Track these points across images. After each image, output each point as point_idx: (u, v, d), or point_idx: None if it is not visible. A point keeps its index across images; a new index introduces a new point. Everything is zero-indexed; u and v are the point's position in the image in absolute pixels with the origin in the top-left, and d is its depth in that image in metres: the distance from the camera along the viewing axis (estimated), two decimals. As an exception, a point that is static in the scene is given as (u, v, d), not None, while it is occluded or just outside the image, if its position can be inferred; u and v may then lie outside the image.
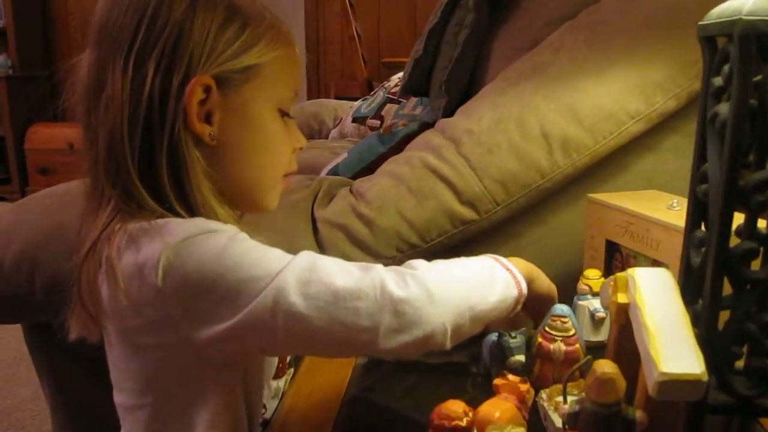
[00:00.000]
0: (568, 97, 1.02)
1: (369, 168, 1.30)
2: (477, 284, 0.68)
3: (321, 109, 2.98)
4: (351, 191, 1.10)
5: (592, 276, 0.91)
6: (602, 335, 0.89)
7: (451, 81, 1.34)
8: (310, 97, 4.59)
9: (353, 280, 0.60)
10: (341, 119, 2.90)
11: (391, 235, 1.03)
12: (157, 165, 0.64)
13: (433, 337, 0.61)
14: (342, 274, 0.60)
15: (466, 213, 1.03)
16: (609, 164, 1.07)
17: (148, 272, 0.59)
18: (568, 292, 0.92)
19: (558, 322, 0.77)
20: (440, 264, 0.67)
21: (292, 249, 1.04)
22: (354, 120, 2.66)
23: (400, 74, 2.69)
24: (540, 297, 0.77)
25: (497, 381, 0.69)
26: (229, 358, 0.66)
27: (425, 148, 1.09)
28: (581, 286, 0.91)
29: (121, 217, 0.64)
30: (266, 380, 0.80)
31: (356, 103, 2.84)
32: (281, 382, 0.87)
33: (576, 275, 0.97)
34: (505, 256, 1.14)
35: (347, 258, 1.03)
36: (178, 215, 0.64)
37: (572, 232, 1.12)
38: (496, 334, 0.81)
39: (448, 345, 0.62)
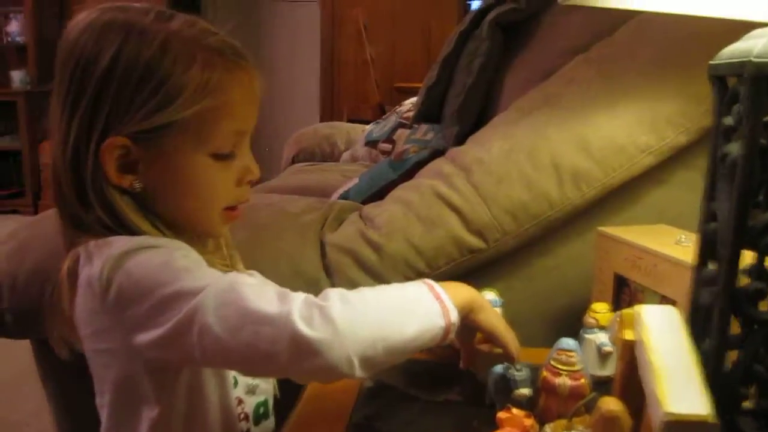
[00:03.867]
0: (579, 128, 1.02)
1: (379, 194, 1.30)
2: (393, 316, 0.66)
3: (333, 131, 3.00)
4: (360, 216, 1.10)
5: (600, 309, 0.90)
6: (609, 370, 0.88)
7: (464, 110, 1.35)
8: (323, 119, 4.62)
9: (264, 306, 0.61)
10: (353, 142, 2.91)
11: (399, 262, 1.03)
12: (93, 205, 0.69)
13: (338, 368, 0.61)
14: (256, 298, 0.62)
15: (474, 242, 1.03)
16: (619, 196, 1.06)
17: (94, 284, 0.66)
18: (577, 325, 0.91)
19: (563, 356, 0.77)
20: (358, 294, 0.66)
21: (298, 274, 1.05)
22: (366, 143, 2.68)
23: (413, 99, 2.71)
24: (479, 329, 0.78)
25: (501, 415, 0.68)
26: (168, 362, 0.69)
27: (435, 175, 1.09)
28: (588, 319, 0.90)
29: (83, 235, 0.71)
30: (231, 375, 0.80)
31: (368, 127, 2.86)
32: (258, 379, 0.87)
33: (585, 307, 0.97)
34: (516, 287, 1.15)
35: (355, 284, 1.04)
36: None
37: (582, 263, 1.11)
38: (502, 366, 0.80)
39: (358, 375, 0.63)
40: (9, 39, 4.63)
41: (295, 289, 1.02)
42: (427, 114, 1.49)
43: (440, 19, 4.19)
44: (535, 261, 1.12)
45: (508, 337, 0.79)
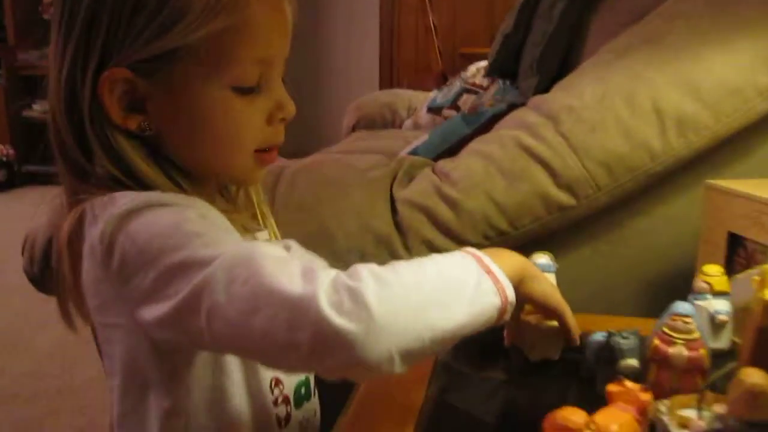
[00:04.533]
0: (686, 69, 0.90)
1: (452, 150, 1.21)
2: (439, 298, 0.54)
3: (395, 98, 2.90)
4: (434, 171, 1.01)
5: (713, 272, 0.78)
6: (723, 342, 0.77)
7: (544, 59, 1.23)
8: (382, 89, 4.52)
9: (285, 284, 0.49)
10: (415, 109, 2.81)
11: (479, 220, 0.93)
12: (96, 153, 0.59)
13: (375, 365, 0.50)
14: (277, 273, 0.50)
15: (563, 198, 0.92)
16: (729, 148, 0.94)
17: (96, 248, 0.57)
18: (674, 294, 0.80)
19: (679, 322, 0.66)
20: (394, 271, 0.53)
21: (368, 231, 0.96)
22: (429, 110, 2.57)
23: (478, 64, 2.58)
24: (531, 301, 0.66)
25: (612, 387, 0.58)
26: (178, 345, 0.59)
27: (518, 126, 0.99)
28: (700, 284, 0.79)
29: (89, 189, 0.60)
30: None
31: (431, 94, 2.75)
32: None
33: (684, 274, 0.86)
34: (604, 251, 1.04)
35: (429, 243, 0.95)
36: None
37: (681, 224, 1.00)
38: (604, 333, 0.70)
39: (398, 371, 0.51)
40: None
41: (365, 246, 0.96)
42: (503, 64, 1.38)
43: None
44: (626, 222, 1.01)
45: (566, 309, 0.68)
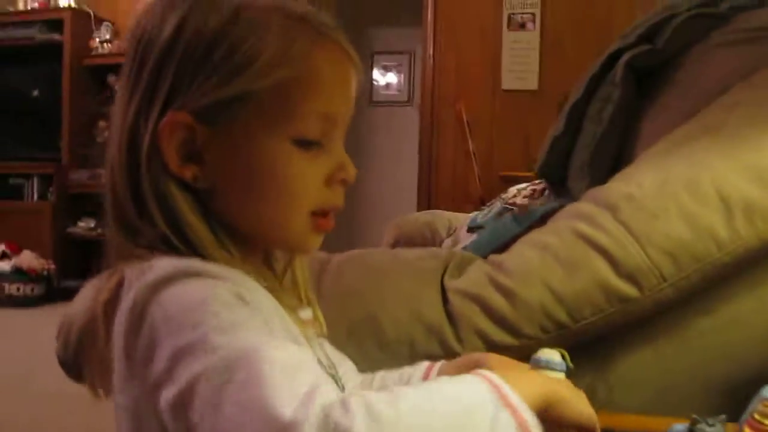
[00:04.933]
0: (750, 156, 0.87)
1: (502, 250, 1.17)
2: None
3: (434, 218, 2.90)
4: (487, 262, 0.97)
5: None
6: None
7: (595, 160, 1.22)
8: (420, 213, 4.56)
9: (279, 403, 0.44)
10: (455, 229, 2.81)
11: (536, 310, 0.88)
12: (149, 206, 0.57)
13: None
14: (276, 387, 0.45)
15: (626, 288, 0.87)
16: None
17: (126, 317, 0.54)
18: (742, 397, 0.73)
19: (773, 409, 0.59)
20: (392, 404, 0.46)
21: (418, 320, 0.91)
22: (469, 230, 2.56)
23: (518, 186, 2.60)
24: (564, 425, 0.58)
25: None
26: None
27: (574, 217, 0.95)
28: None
29: (135, 250, 0.58)
30: None
31: (472, 214, 2.76)
32: None
33: (753, 378, 0.79)
34: (668, 353, 0.97)
35: (483, 334, 0.89)
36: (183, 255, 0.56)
37: (749, 326, 0.94)
38: (685, 424, 0.63)
39: None
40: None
41: (414, 336, 0.90)
42: (552, 167, 1.37)
43: (539, 124, 4.14)
44: (691, 321, 0.95)
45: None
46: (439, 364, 0.76)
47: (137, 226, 0.58)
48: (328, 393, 0.46)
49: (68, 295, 4.29)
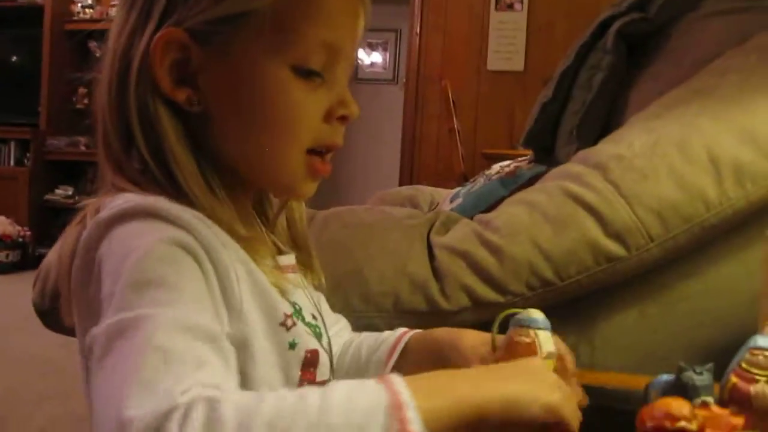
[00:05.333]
0: (741, 118, 0.87)
1: (488, 212, 1.17)
2: None
3: (417, 193, 2.88)
4: (475, 220, 0.96)
5: (784, 321, 0.72)
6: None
7: (584, 126, 1.22)
8: (402, 193, 4.55)
9: (135, 399, 0.41)
10: (437, 203, 2.80)
11: (523, 267, 0.87)
12: (135, 131, 0.55)
13: None
14: (143, 381, 0.42)
15: (613, 247, 0.87)
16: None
17: (78, 253, 0.53)
18: (724, 364, 0.74)
19: (760, 357, 0.59)
20: (267, 416, 0.40)
21: (404, 275, 0.90)
22: (452, 201, 2.56)
23: (502, 163, 2.60)
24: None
25: (699, 411, 0.51)
26: None
27: (563, 176, 0.95)
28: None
29: (120, 183, 0.56)
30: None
31: (454, 190, 2.75)
32: None
33: (738, 341, 0.79)
34: (653, 313, 0.98)
35: (469, 289, 0.89)
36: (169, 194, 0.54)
37: (734, 290, 0.94)
38: (670, 374, 0.63)
39: None
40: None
41: (400, 290, 0.89)
42: (540, 134, 1.37)
43: (524, 105, 4.14)
44: (676, 283, 0.95)
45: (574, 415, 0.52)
46: (410, 334, 0.73)
47: (121, 158, 0.57)
48: (194, 401, 0.40)
49: (44, 261, 4.13)
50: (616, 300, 0.95)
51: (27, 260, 4.14)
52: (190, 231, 0.51)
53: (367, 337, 0.78)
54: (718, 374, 0.62)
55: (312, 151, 0.60)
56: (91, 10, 4.66)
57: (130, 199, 0.52)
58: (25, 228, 4.19)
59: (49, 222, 4.35)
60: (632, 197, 0.87)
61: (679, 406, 0.40)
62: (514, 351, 0.60)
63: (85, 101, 4.70)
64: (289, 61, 0.56)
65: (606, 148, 0.94)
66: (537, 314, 0.67)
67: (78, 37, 4.56)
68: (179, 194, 0.55)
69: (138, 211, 0.51)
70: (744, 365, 0.59)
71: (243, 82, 0.56)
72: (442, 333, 0.71)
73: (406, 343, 0.72)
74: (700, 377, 0.61)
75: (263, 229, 0.67)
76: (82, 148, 4.52)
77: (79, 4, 4.67)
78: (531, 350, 0.60)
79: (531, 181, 1.14)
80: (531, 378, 0.51)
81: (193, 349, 0.44)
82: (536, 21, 4.35)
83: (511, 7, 4.42)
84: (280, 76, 0.56)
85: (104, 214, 0.52)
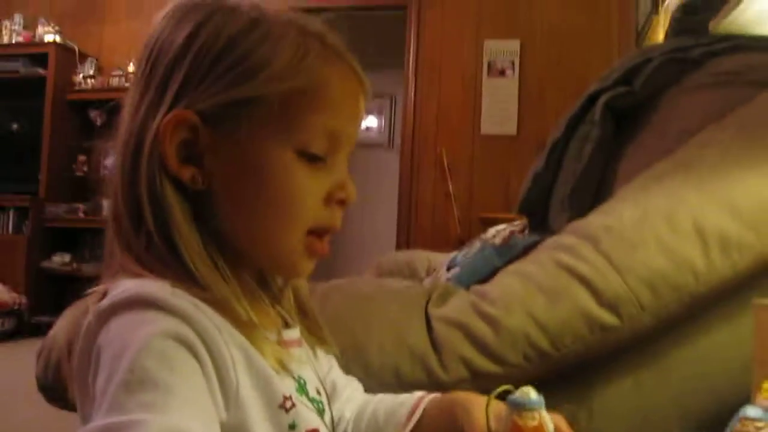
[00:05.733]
0: (723, 189, 0.90)
1: (483, 282, 1.19)
2: None
3: (414, 257, 2.92)
4: (471, 291, 0.99)
5: (775, 389, 0.74)
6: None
7: (575, 195, 1.26)
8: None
9: None
10: (435, 269, 2.82)
11: (519, 338, 0.90)
12: (143, 208, 0.57)
13: None
14: None
15: (607, 317, 0.89)
16: (773, 273, 0.92)
17: (81, 340, 0.54)
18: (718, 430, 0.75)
19: (750, 428, 0.61)
20: None
21: (403, 347, 0.92)
22: (449, 269, 2.58)
23: (498, 227, 2.64)
24: None
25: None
26: None
27: (556, 248, 0.98)
28: (762, 402, 0.74)
29: (128, 264, 0.58)
30: None
31: (451, 254, 2.77)
32: None
33: (732, 406, 0.81)
34: (648, 383, 0.99)
35: (466, 361, 0.91)
36: (173, 272, 0.56)
37: (726, 357, 0.96)
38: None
39: None
40: (105, 171, 4.89)
41: (399, 363, 0.91)
42: (533, 203, 1.40)
43: (518, 168, 4.21)
44: (670, 351, 0.97)
45: None
46: (429, 398, 0.76)
47: (131, 236, 0.58)
48: None
49: (40, 330, 4.21)
50: (612, 368, 0.97)
51: (23, 328, 4.12)
52: (187, 321, 0.52)
53: (384, 399, 0.79)
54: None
55: (311, 233, 0.63)
56: (92, 80, 4.78)
57: (129, 288, 0.54)
58: (22, 295, 4.19)
59: (45, 289, 4.35)
60: (623, 268, 0.90)
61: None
62: None
63: (85, 168, 4.77)
64: (293, 145, 0.59)
65: (596, 220, 0.98)
66: (531, 394, 0.68)
67: (79, 107, 4.67)
68: (184, 271, 0.56)
69: (136, 301, 0.52)
70: (735, 435, 0.61)
71: (248, 163, 0.59)
72: (458, 399, 0.73)
73: (427, 407, 0.74)
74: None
75: (268, 302, 0.68)
76: (81, 215, 4.57)
77: (81, 74, 4.79)
78: None
79: (525, 251, 1.16)
80: None
81: None
82: (527, 86, 4.47)
83: (503, 73, 4.55)
84: (285, 159, 0.59)
85: (104, 303, 0.53)
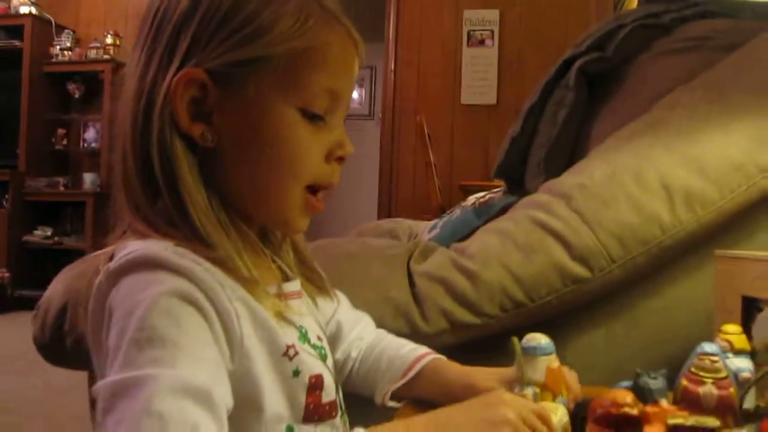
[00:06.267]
0: (690, 148, 0.95)
1: (464, 240, 1.24)
2: None
3: (396, 225, 2.95)
4: (450, 248, 1.04)
5: (732, 331, 0.79)
6: (748, 401, 0.76)
7: (550, 158, 1.30)
8: (380, 227, 4.60)
9: None
10: (416, 235, 2.86)
11: (496, 291, 0.94)
12: (153, 164, 0.60)
13: None
14: None
15: (578, 270, 0.94)
16: (735, 228, 0.98)
17: (92, 301, 0.58)
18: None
19: (707, 361, 0.66)
20: None
21: (387, 301, 0.97)
22: (430, 232, 2.62)
23: (477, 194, 2.68)
24: None
25: (649, 409, 0.58)
26: None
27: (531, 206, 1.03)
28: (720, 343, 0.79)
29: (137, 224, 0.61)
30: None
31: (432, 222, 2.82)
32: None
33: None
34: (618, 331, 1.05)
35: (447, 313, 0.96)
36: (179, 231, 0.59)
37: (691, 306, 1.01)
38: (629, 380, 0.70)
39: None
40: (85, 144, 4.87)
41: (383, 317, 0.96)
42: (510, 166, 1.45)
43: (497, 137, 4.25)
44: (639, 302, 1.02)
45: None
46: (428, 359, 0.79)
47: (140, 196, 0.61)
48: None
49: (22, 304, 4.19)
50: (585, 320, 1.02)
51: (6, 302, 4.13)
52: (192, 280, 0.55)
53: (390, 345, 0.83)
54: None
55: (309, 189, 0.66)
56: (69, 53, 4.72)
57: (136, 249, 0.57)
58: (3, 270, 4.18)
59: (28, 263, 4.35)
60: (594, 223, 0.95)
61: (623, 395, 0.47)
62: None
63: (64, 142, 4.74)
64: (297, 103, 0.62)
65: (569, 179, 1.02)
66: (543, 339, 0.74)
67: (57, 79, 4.62)
68: (190, 230, 0.59)
69: (143, 262, 0.55)
70: (693, 369, 0.66)
71: (254, 120, 0.62)
72: (456, 375, 0.77)
73: (422, 369, 0.78)
74: (654, 381, 0.68)
75: (269, 255, 0.72)
76: (62, 188, 4.55)
77: (58, 47, 4.74)
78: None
79: (502, 211, 1.21)
80: (482, 424, 0.58)
81: (189, 414, 0.49)
82: (507, 56, 4.49)
83: (482, 42, 4.56)
84: (289, 116, 0.62)
85: (113, 264, 0.56)
